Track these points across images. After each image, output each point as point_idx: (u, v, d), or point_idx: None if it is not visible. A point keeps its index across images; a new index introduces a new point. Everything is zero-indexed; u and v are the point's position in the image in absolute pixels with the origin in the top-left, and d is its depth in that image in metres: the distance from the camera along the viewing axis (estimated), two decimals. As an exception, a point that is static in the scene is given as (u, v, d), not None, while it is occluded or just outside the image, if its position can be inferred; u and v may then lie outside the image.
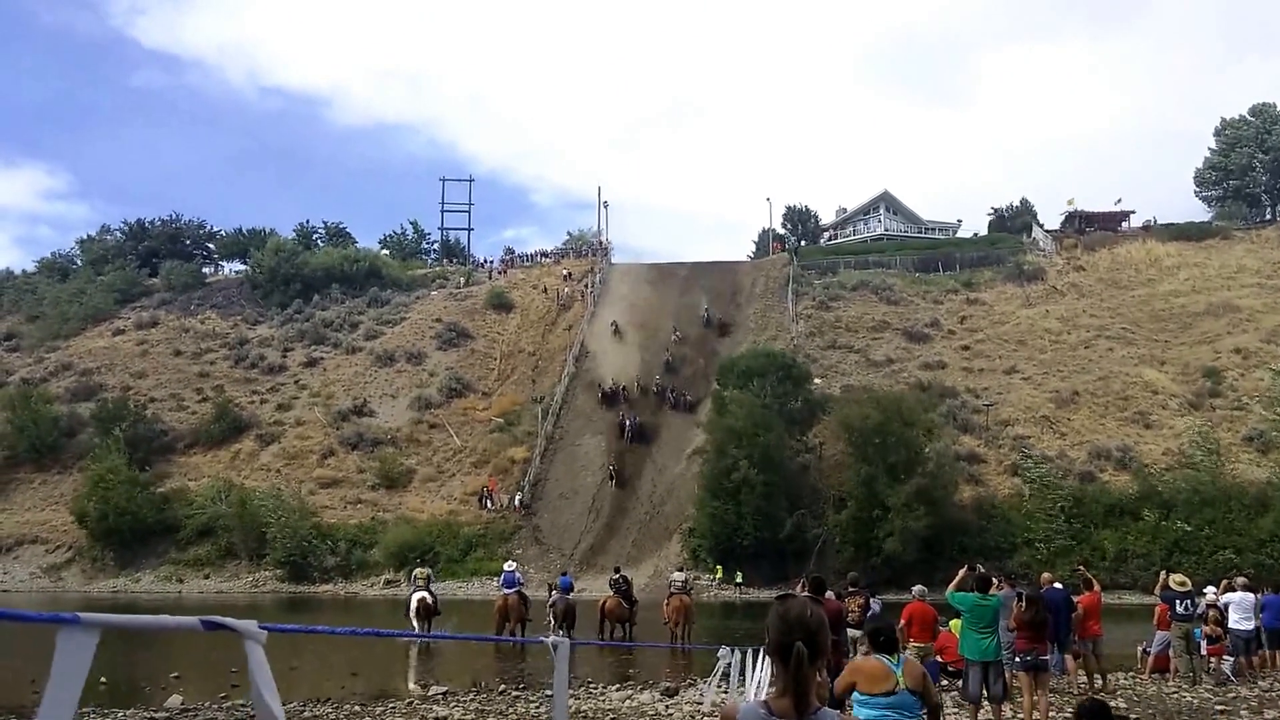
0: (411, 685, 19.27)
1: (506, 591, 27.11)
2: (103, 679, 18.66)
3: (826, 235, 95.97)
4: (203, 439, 64.07)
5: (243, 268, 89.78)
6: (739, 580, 47.91)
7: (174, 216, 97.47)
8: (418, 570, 30.40)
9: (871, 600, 18.34)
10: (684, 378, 63.99)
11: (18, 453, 63.28)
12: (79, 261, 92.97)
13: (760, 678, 10.01)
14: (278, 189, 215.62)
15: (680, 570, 29.44)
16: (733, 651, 9.84)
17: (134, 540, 55.08)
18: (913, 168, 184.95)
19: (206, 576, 53.45)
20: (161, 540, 55.68)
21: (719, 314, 60.08)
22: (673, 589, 26.23)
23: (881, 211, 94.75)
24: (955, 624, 15.56)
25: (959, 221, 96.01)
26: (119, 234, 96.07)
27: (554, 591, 27.64)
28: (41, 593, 51.94)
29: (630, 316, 71.84)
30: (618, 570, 30.67)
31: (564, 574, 32.78)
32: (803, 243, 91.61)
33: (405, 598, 29.63)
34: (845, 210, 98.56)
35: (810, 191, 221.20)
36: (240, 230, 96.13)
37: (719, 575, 48.29)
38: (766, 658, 10.69)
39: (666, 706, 14.96)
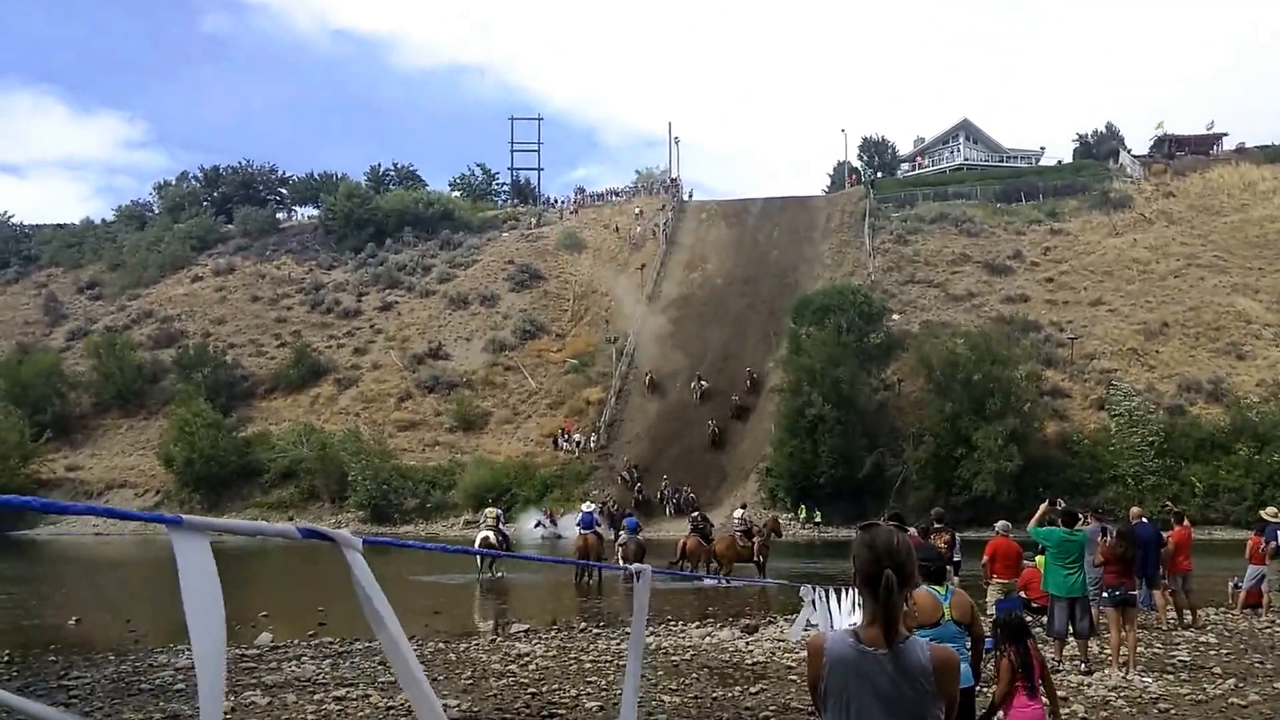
0: (481, 624, 19.45)
1: (584, 531, 27.44)
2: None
3: (904, 167, 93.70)
4: (282, 384, 65.49)
5: (315, 212, 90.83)
6: (817, 519, 47.74)
7: (246, 162, 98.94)
8: (487, 510, 30.87)
9: (955, 537, 18.06)
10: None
11: (104, 399, 65.43)
12: (156, 209, 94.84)
13: (847, 612, 9.79)
14: (348, 133, 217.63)
15: (743, 508, 28.98)
16: (814, 589, 9.62)
17: (219, 484, 56.70)
18: (993, 94, 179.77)
19: (290, 519, 54.67)
20: (246, 484, 57.24)
21: (756, 371, 56.40)
22: (736, 528, 26.47)
23: (961, 140, 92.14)
24: (1040, 560, 15.22)
25: (1042, 149, 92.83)
26: (194, 181, 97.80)
27: (622, 532, 27.89)
28: (135, 534, 53.84)
29: (700, 262, 71.11)
30: (696, 509, 30.61)
31: (629, 515, 32.98)
32: (879, 175, 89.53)
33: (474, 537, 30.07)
34: (923, 140, 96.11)
35: (887, 122, 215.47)
36: (312, 175, 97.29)
37: (802, 515, 48.18)
38: (849, 592, 10.46)
39: (747, 643, 14.86)
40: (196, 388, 58.98)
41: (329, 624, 17.95)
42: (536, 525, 44.95)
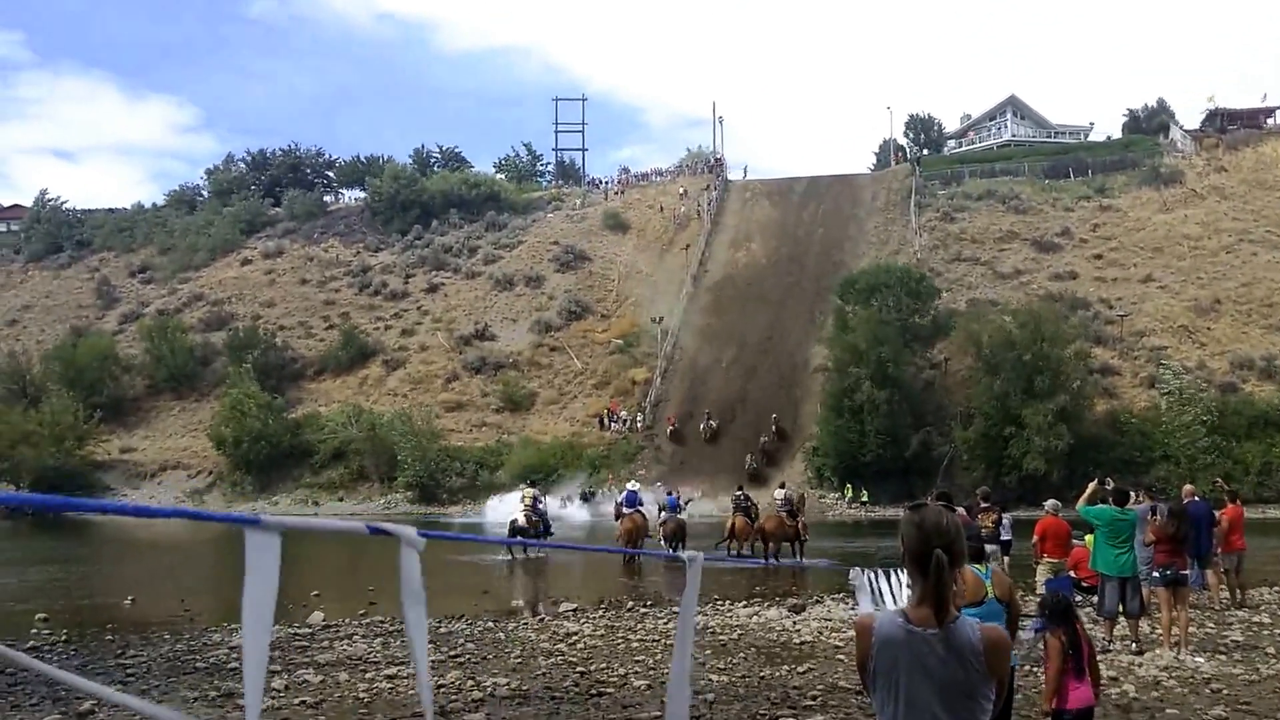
0: (527, 603, 19.59)
1: (629, 511, 27.43)
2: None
3: (950, 144, 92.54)
4: (331, 365, 66.31)
5: (362, 195, 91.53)
6: (864, 498, 47.59)
7: (294, 146, 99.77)
8: (524, 489, 30.74)
9: (1003, 516, 17.92)
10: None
11: (157, 381, 66.72)
12: (206, 193, 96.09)
13: (897, 592, 9.74)
14: (393, 115, 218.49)
15: (783, 487, 28.50)
16: (863, 571, 9.59)
17: (270, 464, 57.56)
18: (1041, 70, 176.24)
19: (340, 499, 55.55)
20: (297, 464, 58.07)
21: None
22: (778, 508, 26.24)
23: (1008, 116, 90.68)
24: (1089, 539, 15.06)
25: (1091, 124, 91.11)
26: (242, 165, 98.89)
27: (663, 511, 27.87)
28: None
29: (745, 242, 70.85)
30: (740, 488, 30.42)
31: (670, 493, 32.74)
32: (925, 152, 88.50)
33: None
34: (969, 117, 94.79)
35: (933, 99, 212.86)
36: (358, 157, 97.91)
37: (848, 494, 48.04)
38: (898, 573, 10.43)
39: (794, 623, 14.85)
40: (248, 370, 59.86)
41: (379, 603, 18.21)
42: (563, 505, 45.45)
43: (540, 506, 29.37)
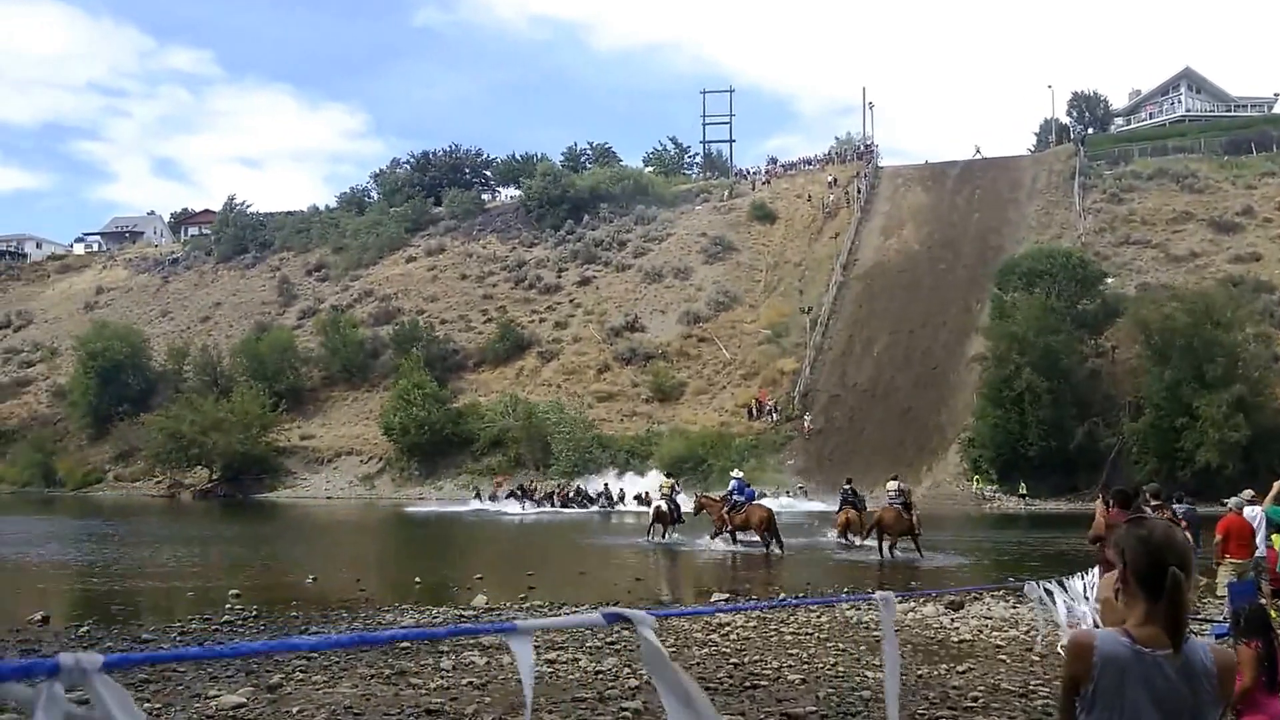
0: (671, 593, 19.90)
1: (741, 499, 27.47)
2: (417, 579, 20.54)
3: (1118, 121, 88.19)
4: (489, 357, 68.48)
5: (517, 192, 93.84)
6: (1023, 492, 46.13)
7: (454, 147, 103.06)
8: (663, 480, 31.90)
9: (1176, 508, 17.14)
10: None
11: (332, 373, 70.61)
12: (373, 195, 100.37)
13: (1074, 605, 9.40)
14: (546, 114, 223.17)
15: (895, 479, 27.43)
16: (1039, 585, 9.33)
17: (434, 451, 59.96)
18: (1219, 39, 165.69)
19: (499, 485, 57.27)
20: (459, 452, 60.22)
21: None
22: (888, 499, 25.70)
23: (1182, 90, 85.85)
24: (1276, 539, 14.23)
25: (1276, 96, 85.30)
26: (407, 167, 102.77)
27: (737, 498, 27.91)
28: (359, 499, 57.74)
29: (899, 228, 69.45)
30: (848, 481, 30.13)
31: (748, 486, 32.50)
32: (1090, 131, 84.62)
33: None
34: (1139, 93, 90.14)
35: (1098, 75, 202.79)
36: (514, 156, 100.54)
37: (1022, 490, 46.64)
38: (1070, 583, 10.13)
39: (952, 620, 14.62)
40: (416, 361, 62.52)
41: (538, 588, 18.82)
42: (599, 496, 48.03)
43: (676, 495, 30.26)
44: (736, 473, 30.32)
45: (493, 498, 51.30)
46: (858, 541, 26.46)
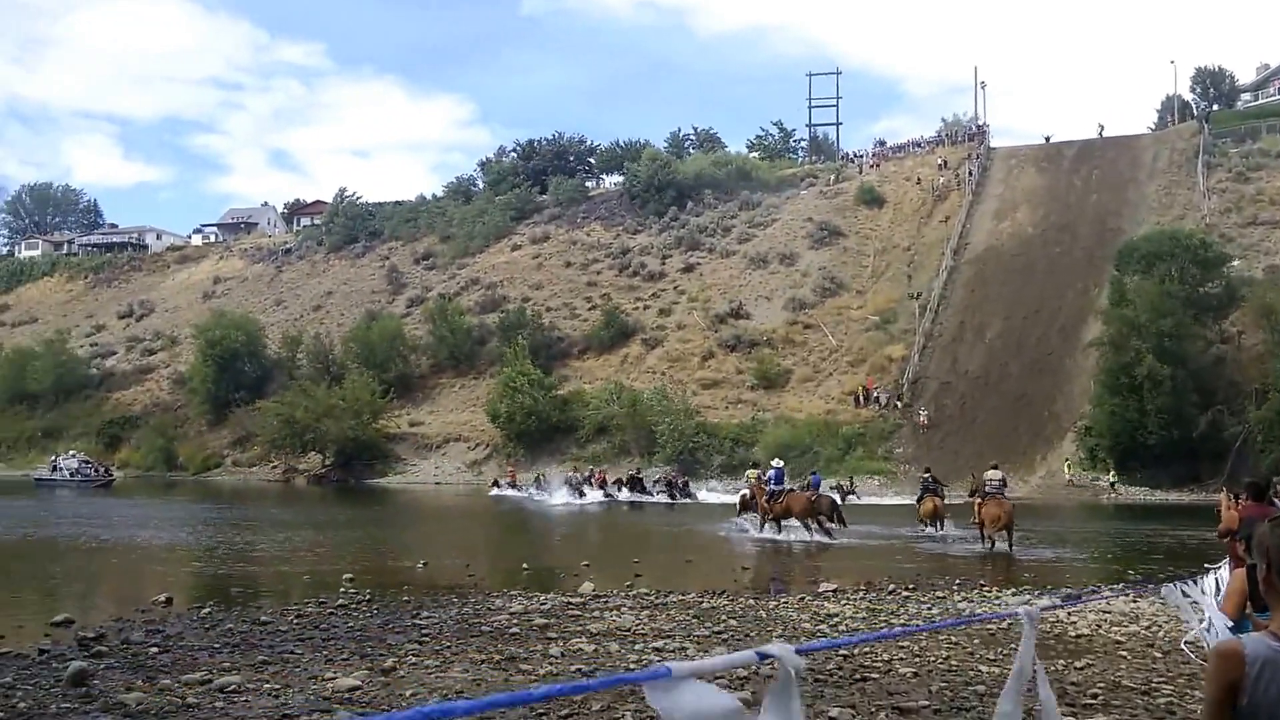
0: (776, 582, 19.75)
1: (778, 488, 27.69)
2: (525, 565, 20.84)
3: (1245, 97, 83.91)
4: (594, 344, 68.91)
5: (620, 179, 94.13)
6: (1112, 480, 45.01)
7: (558, 135, 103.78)
8: (749, 470, 32.71)
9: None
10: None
11: (440, 360, 71.87)
12: (479, 184, 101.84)
13: (1212, 611, 8.96)
14: (650, 100, 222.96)
15: (996, 468, 26.31)
16: (1175, 587, 8.95)
17: (540, 437, 60.60)
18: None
19: (604, 470, 57.62)
20: (564, 438, 60.78)
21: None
22: (988, 489, 24.50)
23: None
24: None
25: None
26: (513, 155, 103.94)
27: (809, 489, 28.14)
28: (468, 484, 58.92)
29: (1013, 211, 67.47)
30: (927, 470, 29.89)
31: (814, 472, 32.86)
32: (1215, 108, 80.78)
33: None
34: (1268, 67, 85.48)
35: (1224, 49, 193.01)
36: (617, 143, 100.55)
37: (1113, 479, 45.30)
38: (1201, 582, 9.69)
39: (1069, 613, 14.19)
40: (520, 348, 63.32)
41: (643, 575, 18.89)
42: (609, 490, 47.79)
43: (783, 476, 30.36)
44: (777, 461, 30.75)
45: (513, 485, 51.72)
46: (938, 531, 26.44)
